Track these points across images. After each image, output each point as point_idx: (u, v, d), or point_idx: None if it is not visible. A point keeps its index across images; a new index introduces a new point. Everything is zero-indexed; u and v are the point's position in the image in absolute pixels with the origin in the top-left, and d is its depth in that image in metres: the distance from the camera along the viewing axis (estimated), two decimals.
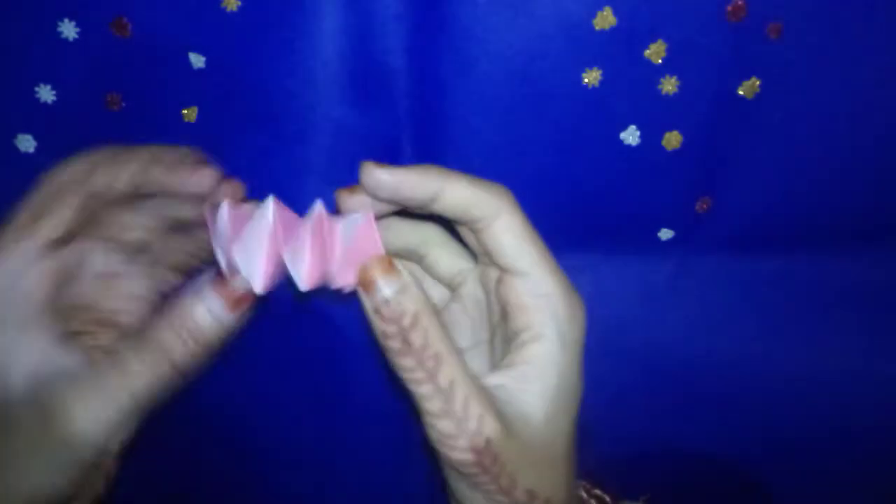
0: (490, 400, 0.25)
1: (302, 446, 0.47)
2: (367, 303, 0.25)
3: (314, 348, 0.44)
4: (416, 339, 0.24)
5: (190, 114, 0.38)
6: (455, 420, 0.24)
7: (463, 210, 0.26)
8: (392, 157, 0.39)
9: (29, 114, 0.38)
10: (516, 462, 0.25)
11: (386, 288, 0.24)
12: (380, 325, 0.25)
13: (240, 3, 0.35)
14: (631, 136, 0.38)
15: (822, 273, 0.42)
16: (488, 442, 0.24)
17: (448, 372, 0.24)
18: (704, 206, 0.40)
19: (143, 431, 0.47)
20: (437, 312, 0.25)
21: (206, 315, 0.26)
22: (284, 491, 0.49)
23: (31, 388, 0.26)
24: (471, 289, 0.31)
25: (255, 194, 0.40)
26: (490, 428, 0.24)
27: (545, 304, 0.26)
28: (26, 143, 0.38)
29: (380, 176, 0.26)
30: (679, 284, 0.42)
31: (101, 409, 0.25)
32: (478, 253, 0.29)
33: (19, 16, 0.36)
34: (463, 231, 0.29)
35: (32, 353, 0.26)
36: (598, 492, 0.39)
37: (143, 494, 0.49)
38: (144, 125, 0.38)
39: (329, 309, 0.42)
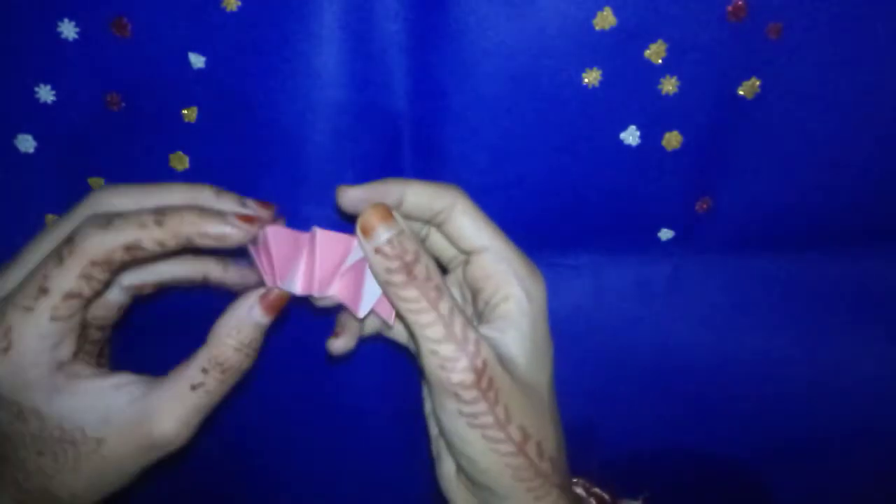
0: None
1: (301, 446, 0.47)
2: (368, 246, 0.27)
3: (314, 348, 0.44)
4: (420, 271, 0.27)
5: (190, 114, 0.38)
6: (456, 343, 0.27)
7: (426, 206, 0.30)
8: (392, 156, 0.39)
9: (29, 114, 0.38)
10: (509, 393, 0.27)
11: (386, 232, 0.27)
12: (383, 263, 0.27)
13: (240, 3, 0.35)
14: (631, 136, 0.38)
15: (822, 273, 0.42)
16: (486, 363, 0.27)
17: (448, 301, 0.27)
18: (704, 206, 0.40)
19: None
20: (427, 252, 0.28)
21: (252, 320, 0.30)
22: (284, 490, 0.49)
23: (110, 423, 0.28)
24: (458, 276, 0.33)
25: (254, 190, 0.40)
26: (486, 350, 0.27)
27: (507, 268, 0.29)
28: (26, 143, 0.38)
29: (352, 194, 0.29)
30: (679, 284, 0.42)
31: (183, 413, 0.29)
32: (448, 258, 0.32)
33: (19, 16, 0.36)
34: (434, 238, 0.32)
35: (94, 403, 0.28)
36: (597, 490, 0.39)
37: (143, 494, 0.49)
38: (144, 125, 0.38)
39: (330, 309, 0.42)
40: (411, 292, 0.27)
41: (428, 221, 0.31)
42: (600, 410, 0.45)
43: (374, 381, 0.45)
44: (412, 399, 0.43)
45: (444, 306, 0.27)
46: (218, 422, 0.47)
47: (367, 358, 0.43)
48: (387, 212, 0.27)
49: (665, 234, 0.41)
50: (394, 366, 0.43)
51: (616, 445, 0.45)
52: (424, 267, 0.27)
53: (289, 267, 0.29)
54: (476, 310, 0.31)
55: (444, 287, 0.27)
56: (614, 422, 0.45)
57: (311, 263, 0.29)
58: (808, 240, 0.41)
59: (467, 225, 0.30)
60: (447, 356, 0.27)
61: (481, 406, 0.27)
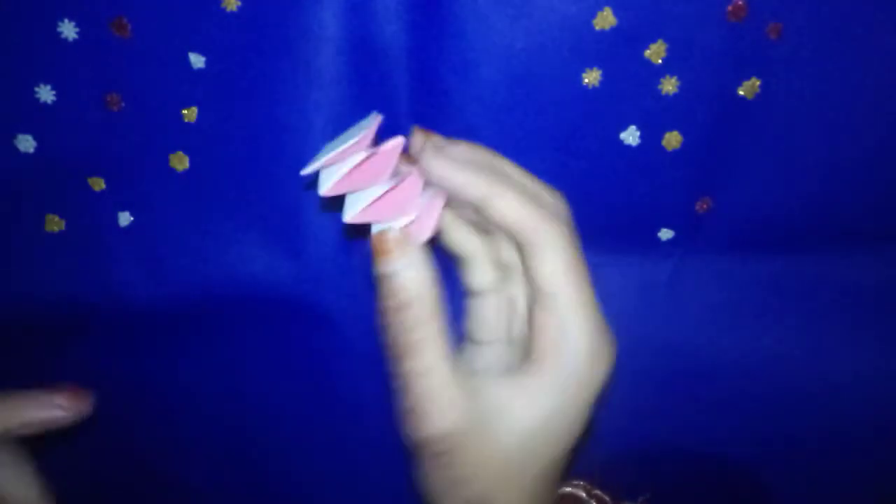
0: (470, 394, 0.26)
1: (301, 446, 0.47)
2: (377, 267, 0.26)
3: (314, 348, 0.44)
4: (408, 319, 0.26)
5: (190, 114, 0.38)
6: (425, 401, 0.26)
7: (507, 229, 0.26)
8: None
9: (29, 114, 0.38)
10: (477, 462, 0.26)
11: (395, 262, 0.25)
12: (382, 291, 0.26)
13: (240, 3, 0.35)
14: (631, 136, 0.38)
15: (822, 273, 0.42)
16: (452, 430, 0.25)
17: (429, 357, 0.26)
18: (704, 206, 0.40)
19: (144, 430, 0.47)
20: (435, 299, 0.26)
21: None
22: (284, 490, 0.49)
23: None
24: (514, 288, 0.30)
25: (255, 191, 0.40)
26: (456, 417, 0.25)
27: (565, 340, 0.26)
28: (26, 143, 0.38)
29: (429, 164, 0.26)
30: (679, 284, 0.42)
31: None
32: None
33: (19, 16, 0.36)
34: None
35: None
36: (597, 492, 0.39)
37: (143, 493, 0.49)
38: (144, 125, 0.38)
39: (329, 309, 0.42)
40: (395, 334, 0.26)
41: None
42: (599, 410, 0.45)
43: (372, 382, 0.45)
44: None
45: (421, 362, 0.26)
46: (217, 420, 0.47)
47: (367, 358, 0.43)
48: (404, 241, 0.26)
49: (665, 234, 0.41)
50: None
51: (615, 445, 0.45)
52: (414, 315, 0.25)
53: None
54: (524, 341, 0.28)
55: (430, 339, 0.25)
56: (613, 421, 0.45)
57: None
58: (807, 240, 0.41)
59: (546, 278, 0.26)
60: (414, 411, 0.26)
61: (441, 463, 0.26)
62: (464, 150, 0.27)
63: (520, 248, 0.27)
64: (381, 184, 0.26)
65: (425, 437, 0.26)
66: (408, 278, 0.25)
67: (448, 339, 0.26)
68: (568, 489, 0.38)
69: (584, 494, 0.38)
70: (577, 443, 0.28)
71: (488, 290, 0.30)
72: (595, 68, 0.36)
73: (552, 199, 0.27)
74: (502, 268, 0.30)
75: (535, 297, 0.27)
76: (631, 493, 0.43)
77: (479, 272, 0.30)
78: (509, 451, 0.26)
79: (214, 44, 0.36)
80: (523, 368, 0.27)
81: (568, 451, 0.28)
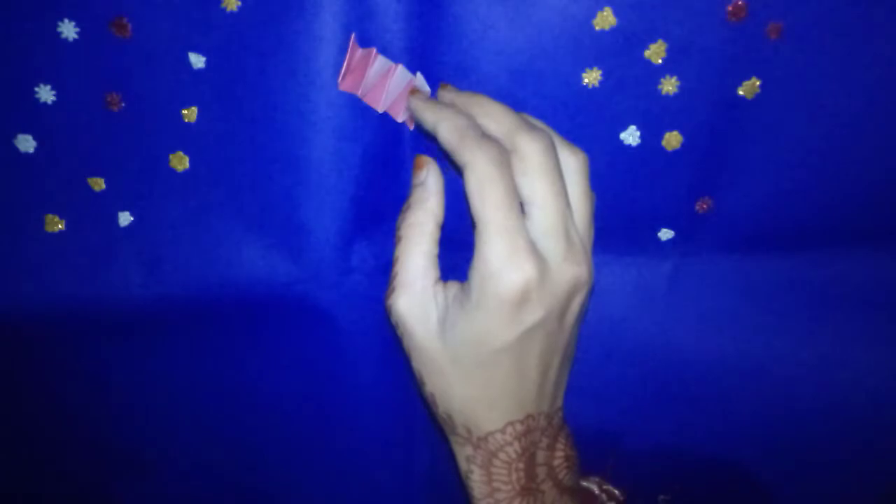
0: (433, 295, 0.32)
1: (301, 446, 0.47)
2: (414, 178, 0.35)
3: (314, 348, 0.44)
4: (408, 215, 0.33)
5: (190, 114, 0.38)
6: (393, 278, 0.32)
7: (448, 153, 0.31)
8: (393, 156, 0.39)
9: (29, 114, 0.38)
10: (425, 360, 0.31)
11: (422, 175, 0.34)
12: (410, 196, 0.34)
13: (240, 3, 0.35)
14: (631, 136, 0.38)
15: (822, 273, 0.42)
16: (405, 312, 0.31)
17: (410, 246, 0.32)
18: (704, 206, 0.40)
19: (144, 431, 0.47)
20: (433, 208, 0.33)
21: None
22: (284, 490, 0.49)
23: None
24: None
25: (255, 191, 0.40)
26: (411, 301, 0.31)
27: (479, 258, 0.29)
28: (26, 143, 0.38)
29: (410, 100, 0.34)
30: (679, 284, 0.42)
31: None
32: None
33: (19, 16, 0.36)
34: None
35: None
36: (608, 487, 0.39)
37: (142, 493, 0.49)
38: (144, 125, 0.38)
39: (329, 309, 0.42)
40: (398, 222, 0.33)
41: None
42: (599, 410, 0.45)
43: (374, 382, 0.45)
44: (412, 401, 0.43)
45: (404, 246, 0.32)
46: (217, 420, 0.47)
47: (368, 358, 0.43)
48: (423, 162, 0.34)
49: (665, 234, 0.41)
50: (394, 367, 0.43)
51: (615, 445, 0.45)
52: (413, 212, 0.33)
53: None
54: None
55: (418, 234, 0.32)
56: (613, 421, 0.45)
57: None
58: (808, 240, 0.41)
59: (469, 198, 0.29)
60: (390, 284, 0.33)
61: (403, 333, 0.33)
62: (448, 92, 0.34)
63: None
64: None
65: (387, 308, 0.32)
66: (426, 185, 0.33)
67: (434, 247, 0.33)
68: (584, 484, 0.38)
69: (596, 489, 0.39)
70: (546, 358, 0.30)
71: None
72: (595, 68, 0.36)
73: (467, 132, 0.30)
74: None
75: None
76: (630, 492, 0.43)
77: None
78: (449, 358, 0.30)
79: (214, 44, 0.36)
80: (464, 285, 0.30)
81: (518, 364, 0.30)
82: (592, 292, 0.43)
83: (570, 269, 0.29)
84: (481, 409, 0.30)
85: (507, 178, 0.29)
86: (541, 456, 0.31)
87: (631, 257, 0.42)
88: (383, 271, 0.41)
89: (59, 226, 0.40)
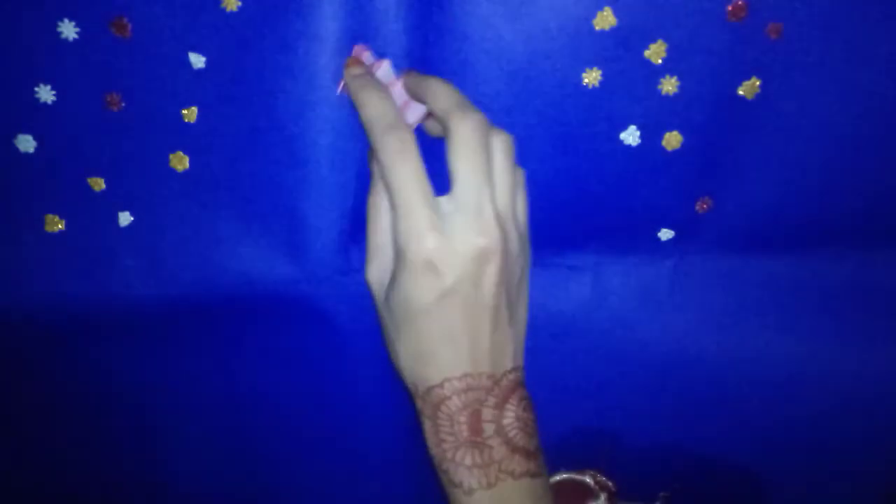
0: (391, 254, 0.34)
1: (300, 446, 0.47)
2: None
3: (314, 348, 0.44)
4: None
5: (190, 114, 0.38)
6: (367, 246, 0.36)
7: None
8: None
9: (29, 114, 0.38)
10: (383, 317, 0.35)
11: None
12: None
13: (240, 3, 0.35)
14: (631, 136, 0.38)
15: (821, 273, 0.42)
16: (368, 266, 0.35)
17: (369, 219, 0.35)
18: (704, 206, 0.40)
19: (144, 431, 0.47)
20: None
21: None
22: (283, 490, 0.49)
23: None
24: None
25: (255, 191, 0.40)
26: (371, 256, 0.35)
27: (394, 231, 0.33)
28: (26, 143, 0.38)
29: (406, 77, 0.35)
30: (679, 284, 0.42)
31: None
32: None
33: (19, 16, 0.36)
34: None
35: None
36: (602, 478, 0.40)
37: (142, 493, 0.49)
38: (144, 125, 0.38)
39: (329, 309, 0.42)
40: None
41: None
42: (599, 410, 0.45)
43: (374, 382, 0.45)
44: (411, 400, 0.43)
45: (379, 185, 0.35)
46: (217, 421, 0.47)
47: (368, 358, 0.43)
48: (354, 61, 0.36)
49: (665, 234, 0.41)
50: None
51: (615, 444, 0.45)
52: (369, 204, 0.35)
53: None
54: None
55: (373, 223, 0.35)
56: (613, 421, 0.45)
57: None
58: (808, 240, 0.41)
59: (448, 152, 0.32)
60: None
61: None
62: (407, 77, 0.35)
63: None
64: None
65: (364, 278, 0.35)
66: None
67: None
68: (577, 477, 0.39)
69: (590, 481, 0.40)
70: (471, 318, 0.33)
71: None
72: (595, 68, 0.36)
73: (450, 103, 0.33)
74: None
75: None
76: (630, 492, 0.43)
77: None
78: (390, 318, 0.34)
79: (214, 44, 0.36)
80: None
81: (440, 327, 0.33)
82: (593, 292, 0.43)
83: (476, 239, 0.32)
84: (419, 366, 0.33)
85: (411, 160, 0.32)
86: (487, 413, 0.32)
87: (631, 257, 0.42)
88: None
89: (59, 226, 0.40)
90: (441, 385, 0.33)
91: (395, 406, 0.45)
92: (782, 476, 0.45)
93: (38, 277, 0.41)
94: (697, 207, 0.40)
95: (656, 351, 0.43)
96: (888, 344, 0.42)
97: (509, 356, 0.34)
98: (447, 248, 0.31)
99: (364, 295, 0.41)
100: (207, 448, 0.48)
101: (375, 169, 0.35)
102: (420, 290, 0.32)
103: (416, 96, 0.35)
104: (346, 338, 0.43)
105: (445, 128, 0.33)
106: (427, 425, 0.33)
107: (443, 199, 0.32)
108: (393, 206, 0.32)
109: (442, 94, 0.33)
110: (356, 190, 0.39)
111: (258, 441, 0.47)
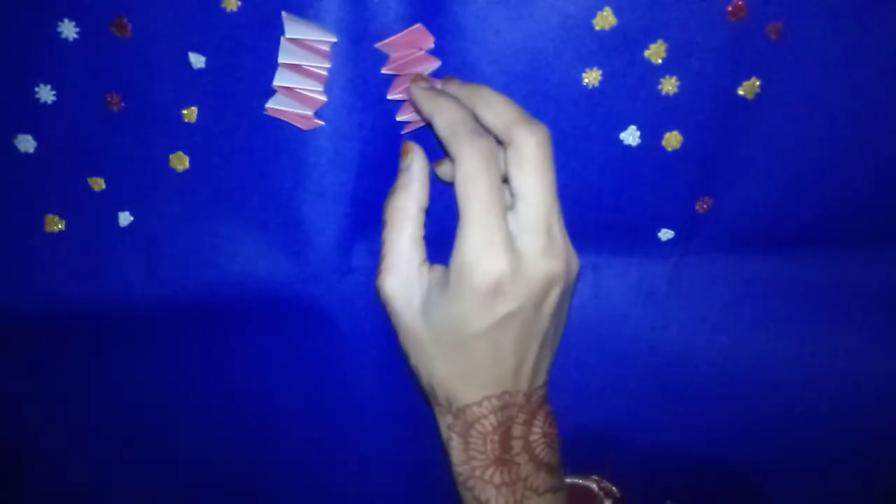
0: (417, 277, 0.33)
1: (301, 445, 0.47)
2: (401, 162, 0.36)
3: (314, 348, 0.44)
4: (393, 198, 0.34)
5: (190, 114, 0.38)
6: (381, 260, 0.34)
7: (442, 142, 0.32)
8: (393, 156, 0.39)
9: (29, 114, 0.38)
10: (408, 336, 0.33)
11: (408, 160, 0.35)
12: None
13: (240, 3, 0.35)
14: (631, 136, 0.38)
15: (822, 273, 0.42)
16: (390, 291, 0.33)
17: (396, 229, 0.34)
18: (704, 206, 0.40)
19: (144, 431, 0.47)
20: (417, 192, 0.34)
21: None
22: (283, 490, 0.49)
23: None
24: None
25: (255, 191, 0.40)
26: (396, 281, 0.33)
27: (458, 249, 0.31)
28: (26, 143, 0.38)
29: (410, 88, 0.34)
30: (679, 284, 0.42)
31: None
32: None
33: (19, 16, 0.36)
34: None
35: None
36: (606, 484, 0.40)
37: (142, 493, 0.49)
38: (144, 125, 0.38)
39: (329, 309, 0.42)
40: (384, 205, 0.34)
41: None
42: (599, 410, 0.45)
43: (374, 382, 0.45)
44: (412, 400, 0.43)
45: (391, 230, 0.33)
46: (217, 421, 0.47)
47: (368, 358, 0.43)
48: (409, 148, 0.35)
49: (665, 234, 0.41)
50: (394, 367, 0.43)
51: (614, 445, 0.45)
52: (397, 196, 0.34)
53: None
54: None
55: (402, 218, 0.33)
56: (613, 421, 0.45)
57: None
58: (808, 240, 0.41)
59: (456, 176, 0.31)
60: (379, 266, 0.34)
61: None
62: (451, 85, 0.34)
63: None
64: None
65: (376, 289, 0.33)
66: (410, 171, 0.34)
67: (418, 230, 0.34)
68: (582, 482, 0.39)
69: (594, 486, 0.40)
70: (523, 346, 0.32)
71: None
72: (595, 68, 0.36)
73: (523, 124, 0.31)
74: None
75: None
76: (630, 491, 0.43)
77: None
78: (430, 337, 0.32)
79: (214, 44, 0.36)
80: (446, 271, 0.32)
81: (493, 349, 0.31)
82: (593, 292, 0.43)
83: (547, 263, 0.30)
84: (459, 383, 0.32)
85: (493, 173, 0.30)
86: (517, 430, 0.32)
87: (631, 257, 0.42)
88: None
89: (59, 226, 0.40)
90: (479, 403, 0.31)
91: (396, 406, 0.45)
92: (782, 476, 0.45)
93: (38, 277, 0.41)
94: (697, 207, 0.40)
95: (655, 350, 0.43)
96: (888, 344, 0.42)
97: (543, 373, 0.33)
98: (517, 271, 0.30)
99: (364, 295, 0.41)
100: (207, 448, 0.48)
101: (415, 167, 0.34)
102: (478, 315, 0.30)
103: (466, 106, 0.33)
104: (346, 338, 0.43)
105: (506, 141, 0.30)
106: (456, 441, 0.32)
107: (509, 216, 0.31)
108: (464, 216, 0.30)
109: (500, 105, 0.31)
110: (356, 190, 0.39)
111: (258, 441, 0.47)
